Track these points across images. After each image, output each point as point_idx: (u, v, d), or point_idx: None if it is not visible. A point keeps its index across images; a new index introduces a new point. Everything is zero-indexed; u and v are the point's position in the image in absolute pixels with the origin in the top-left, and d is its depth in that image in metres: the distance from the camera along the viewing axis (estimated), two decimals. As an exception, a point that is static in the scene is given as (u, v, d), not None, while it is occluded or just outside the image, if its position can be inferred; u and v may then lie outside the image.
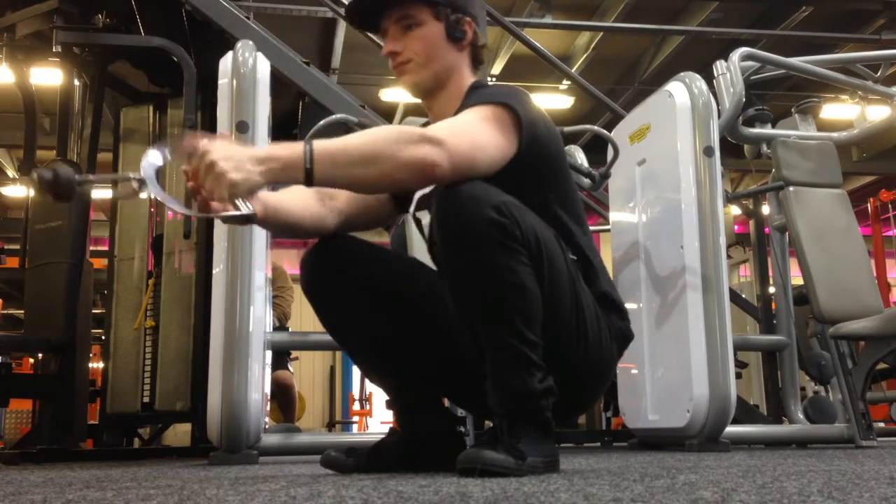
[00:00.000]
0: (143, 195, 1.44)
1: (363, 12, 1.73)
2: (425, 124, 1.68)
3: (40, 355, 3.82)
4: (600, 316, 1.63)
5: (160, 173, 1.44)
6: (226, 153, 1.33)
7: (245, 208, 1.40)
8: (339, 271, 1.59)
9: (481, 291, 1.42)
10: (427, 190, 1.54)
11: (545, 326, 1.48)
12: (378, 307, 1.61)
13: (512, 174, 1.51)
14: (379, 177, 1.38)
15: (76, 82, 4.30)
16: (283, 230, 1.66)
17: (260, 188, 1.37)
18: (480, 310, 1.43)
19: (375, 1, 1.68)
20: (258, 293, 2.71)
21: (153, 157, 1.44)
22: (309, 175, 1.35)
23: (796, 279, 3.58)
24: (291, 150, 1.36)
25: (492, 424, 1.51)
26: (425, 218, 1.72)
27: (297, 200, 1.63)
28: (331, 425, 12.70)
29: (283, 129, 3.97)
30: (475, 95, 1.62)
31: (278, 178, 1.36)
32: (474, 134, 1.47)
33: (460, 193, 1.39)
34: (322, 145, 1.37)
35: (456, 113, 1.58)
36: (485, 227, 1.37)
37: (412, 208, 1.75)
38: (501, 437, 1.45)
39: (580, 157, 3.89)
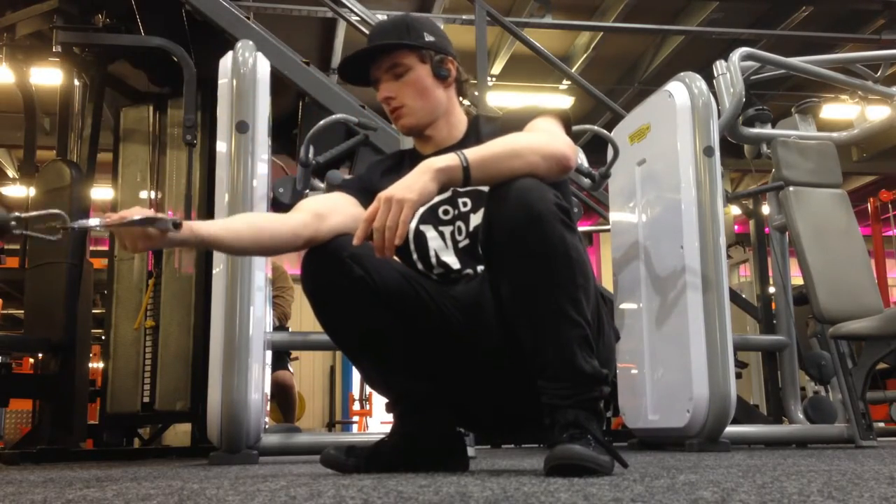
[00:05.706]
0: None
1: (354, 65, 1.82)
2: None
3: (40, 355, 3.82)
4: (602, 308, 1.66)
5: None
6: (397, 188, 1.45)
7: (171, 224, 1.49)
8: (341, 271, 1.59)
9: (553, 269, 1.45)
10: (437, 199, 1.57)
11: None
12: (381, 307, 1.61)
13: None
14: (525, 167, 1.50)
15: (76, 82, 4.30)
16: (232, 251, 1.88)
17: (433, 194, 1.48)
18: (552, 289, 1.46)
19: (365, 53, 1.78)
20: (258, 293, 2.71)
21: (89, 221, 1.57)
22: (466, 172, 1.48)
23: (796, 279, 3.58)
24: (449, 158, 1.49)
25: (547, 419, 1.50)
26: (430, 231, 1.76)
27: (246, 228, 1.71)
28: (331, 425, 12.68)
29: (283, 129, 3.97)
30: (528, 114, 1.73)
31: (444, 182, 1.49)
32: (566, 138, 1.65)
33: (523, 184, 1.48)
34: (470, 150, 1.51)
35: (491, 133, 1.69)
36: (553, 208, 1.46)
37: (415, 222, 1.77)
38: (574, 432, 1.46)
39: (580, 157, 3.88)
